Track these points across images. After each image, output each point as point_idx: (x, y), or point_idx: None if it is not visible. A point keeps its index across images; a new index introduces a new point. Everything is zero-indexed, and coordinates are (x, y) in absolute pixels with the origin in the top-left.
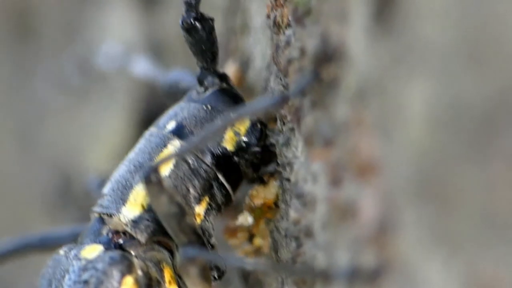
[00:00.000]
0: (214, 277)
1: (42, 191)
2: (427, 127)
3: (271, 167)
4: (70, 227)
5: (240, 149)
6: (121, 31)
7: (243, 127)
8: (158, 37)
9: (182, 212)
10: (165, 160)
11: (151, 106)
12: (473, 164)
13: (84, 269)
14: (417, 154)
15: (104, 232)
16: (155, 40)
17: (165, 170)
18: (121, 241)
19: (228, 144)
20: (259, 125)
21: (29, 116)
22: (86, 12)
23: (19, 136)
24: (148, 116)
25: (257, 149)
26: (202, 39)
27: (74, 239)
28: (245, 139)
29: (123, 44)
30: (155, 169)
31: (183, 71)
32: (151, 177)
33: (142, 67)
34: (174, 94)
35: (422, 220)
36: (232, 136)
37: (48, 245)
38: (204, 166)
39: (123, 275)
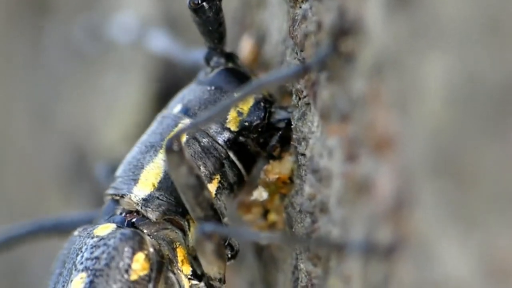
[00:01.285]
0: (228, 257)
1: (57, 167)
2: (445, 102)
3: (274, 140)
4: (84, 212)
5: (244, 128)
6: (137, 4)
7: (246, 106)
8: (173, 11)
9: (201, 185)
10: (183, 130)
11: (167, 82)
12: (490, 139)
13: (96, 245)
14: (434, 129)
15: (118, 212)
16: (171, 14)
17: None
18: (134, 220)
19: (232, 124)
20: (262, 104)
21: (44, 93)
22: None
23: (34, 113)
24: (164, 92)
25: (258, 122)
26: (209, 19)
27: (88, 222)
28: (247, 118)
29: (139, 17)
30: (178, 138)
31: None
32: (173, 146)
33: (159, 41)
34: (195, 73)
35: (438, 196)
36: (235, 116)
37: (61, 229)
38: (215, 145)
39: (134, 251)
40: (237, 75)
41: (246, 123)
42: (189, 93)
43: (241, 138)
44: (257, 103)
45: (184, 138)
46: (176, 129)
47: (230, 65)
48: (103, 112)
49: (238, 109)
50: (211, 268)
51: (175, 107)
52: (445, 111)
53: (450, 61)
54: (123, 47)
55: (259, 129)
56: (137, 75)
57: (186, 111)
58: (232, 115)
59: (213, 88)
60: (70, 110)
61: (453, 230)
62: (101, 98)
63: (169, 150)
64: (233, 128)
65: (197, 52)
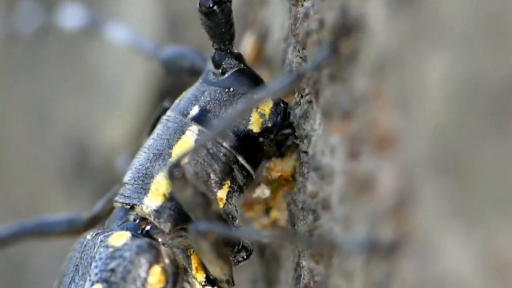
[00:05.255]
0: (243, 258)
1: (59, 165)
2: (446, 101)
3: (290, 141)
4: (66, 214)
5: (266, 130)
6: (137, 3)
7: (267, 107)
8: (173, 10)
9: (208, 202)
10: (186, 154)
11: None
12: (491, 138)
13: (111, 257)
14: (435, 127)
15: (131, 218)
16: (171, 13)
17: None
18: (147, 228)
19: (254, 126)
20: (282, 105)
21: (44, 90)
22: None
23: (34, 111)
24: (168, 86)
25: (288, 130)
26: (221, 22)
27: (71, 226)
28: (271, 119)
29: (138, 17)
30: (177, 165)
31: (180, 47)
32: (174, 173)
33: (119, 32)
34: (175, 70)
35: (440, 194)
36: (258, 117)
37: (45, 231)
38: (223, 150)
39: (150, 264)
40: (251, 76)
41: (269, 125)
42: (203, 94)
43: (260, 139)
44: (276, 104)
45: (185, 160)
46: (177, 145)
47: (242, 66)
48: (104, 108)
49: (259, 110)
50: (213, 269)
51: (190, 109)
52: (446, 109)
53: (451, 60)
54: (123, 44)
55: (287, 132)
56: (139, 69)
57: (204, 113)
58: (254, 117)
59: (231, 89)
60: (70, 107)
61: (454, 227)
62: (102, 94)
63: (171, 177)
64: (256, 129)
65: (172, 49)
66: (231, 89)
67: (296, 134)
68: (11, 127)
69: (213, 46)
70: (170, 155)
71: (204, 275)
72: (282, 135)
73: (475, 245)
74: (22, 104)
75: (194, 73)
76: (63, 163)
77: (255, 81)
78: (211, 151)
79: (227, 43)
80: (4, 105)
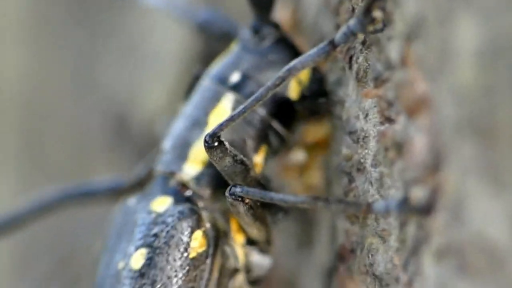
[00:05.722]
0: (279, 219)
1: (100, 131)
2: (475, 64)
3: (324, 107)
4: (108, 179)
5: (303, 97)
6: None
7: (304, 76)
8: None
9: (246, 169)
10: (223, 124)
11: (204, 42)
12: None
13: (154, 223)
14: (466, 90)
15: (171, 184)
16: None
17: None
18: (188, 193)
19: (292, 93)
20: (318, 73)
21: (87, 58)
22: None
23: (77, 78)
24: (203, 52)
25: (323, 97)
26: None
27: (113, 192)
28: (308, 87)
29: None
30: (214, 135)
31: (215, 12)
32: (212, 143)
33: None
34: (209, 35)
35: (470, 155)
36: (296, 85)
37: (87, 197)
38: (257, 116)
39: (192, 229)
40: (289, 45)
41: (306, 92)
42: (243, 61)
43: (298, 106)
44: (313, 72)
45: (224, 131)
46: (213, 112)
47: (281, 34)
48: (145, 74)
49: (297, 78)
50: (251, 231)
51: (230, 75)
52: (476, 73)
53: (480, 26)
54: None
55: (316, 97)
56: (178, 36)
57: (245, 80)
58: (292, 84)
59: (270, 57)
60: (113, 73)
61: (483, 188)
62: (143, 60)
63: (209, 148)
64: (294, 97)
65: (206, 13)
66: (270, 57)
67: (330, 100)
68: (57, 94)
69: (252, 14)
70: (206, 123)
71: (244, 237)
72: (317, 101)
73: (503, 204)
74: (67, 72)
75: (227, 38)
76: (105, 128)
77: (293, 50)
78: (247, 118)
79: (266, 12)
80: (50, 74)
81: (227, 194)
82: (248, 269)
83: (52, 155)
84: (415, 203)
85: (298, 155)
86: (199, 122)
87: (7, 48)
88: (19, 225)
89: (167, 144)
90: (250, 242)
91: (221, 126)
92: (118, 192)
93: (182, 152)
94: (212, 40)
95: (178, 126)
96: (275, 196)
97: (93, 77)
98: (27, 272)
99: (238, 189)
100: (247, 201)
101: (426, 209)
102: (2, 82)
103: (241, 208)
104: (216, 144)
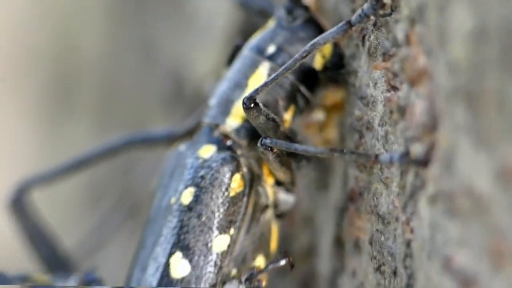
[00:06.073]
0: (303, 165)
1: (160, 93)
2: (467, 43)
3: (341, 76)
4: (167, 128)
5: (325, 68)
6: None
7: (327, 50)
8: None
9: (277, 125)
10: (259, 88)
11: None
12: (501, 72)
13: (201, 166)
14: (459, 64)
15: (215, 135)
16: None
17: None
18: (229, 143)
19: (317, 64)
20: (338, 49)
21: (150, 29)
22: None
23: (142, 48)
24: (246, 27)
25: (343, 70)
26: None
27: (169, 139)
28: (330, 60)
29: None
30: (251, 97)
31: None
32: (249, 105)
33: None
34: (249, 10)
35: (461, 118)
36: (320, 58)
37: (148, 141)
38: (288, 81)
39: (232, 173)
40: (316, 25)
41: (328, 64)
42: (278, 36)
43: (320, 75)
44: (334, 48)
45: (259, 94)
46: (252, 77)
47: (310, 15)
48: (198, 44)
49: (321, 53)
50: (279, 174)
51: (267, 47)
52: (467, 50)
53: (471, 12)
54: None
55: (335, 68)
56: (226, 9)
57: (279, 52)
58: (317, 57)
59: (300, 34)
60: (171, 43)
61: (471, 146)
62: (196, 31)
63: (246, 108)
64: (318, 67)
65: None
66: (300, 34)
67: (346, 70)
68: (123, 62)
69: None
70: (246, 85)
71: (273, 179)
72: (336, 72)
73: (488, 160)
74: (132, 43)
75: (265, 16)
76: (164, 92)
77: (319, 29)
78: (280, 82)
79: None
80: (118, 45)
81: (259, 144)
82: (275, 205)
83: (121, 111)
84: (414, 156)
85: (318, 115)
86: (240, 85)
87: (89, 24)
88: (92, 163)
89: (213, 101)
90: (278, 183)
91: (257, 91)
92: (172, 140)
93: (225, 108)
94: (252, 16)
95: (223, 87)
96: (298, 147)
97: (155, 47)
98: (98, 203)
99: (267, 141)
100: (275, 150)
101: (423, 162)
102: (85, 52)
103: (270, 156)
104: (252, 105)
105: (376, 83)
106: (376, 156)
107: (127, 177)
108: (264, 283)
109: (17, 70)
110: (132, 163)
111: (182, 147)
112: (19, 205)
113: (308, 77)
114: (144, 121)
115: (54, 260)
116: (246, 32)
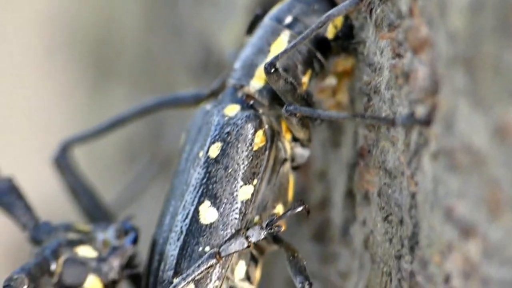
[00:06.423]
0: (318, 124)
1: (189, 62)
2: (465, 14)
3: (351, 45)
4: (194, 90)
5: (337, 37)
6: None
7: (338, 21)
8: None
9: (294, 88)
10: (279, 55)
11: None
12: (498, 42)
13: (227, 124)
14: (457, 33)
15: (239, 95)
16: None
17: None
18: (252, 102)
19: (329, 34)
20: (348, 20)
21: (181, 6)
22: None
23: (172, 22)
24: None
25: (353, 40)
26: None
27: (196, 99)
28: (341, 30)
29: None
30: (272, 63)
31: None
32: (270, 69)
33: None
34: None
35: (460, 81)
36: (332, 28)
37: (176, 102)
38: (306, 48)
39: (255, 129)
40: None
41: (339, 34)
42: (295, 8)
43: (332, 43)
44: (345, 19)
45: (282, 49)
46: (274, 44)
47: None
48: (224, 17)
49: (333, 23)
50: (299, 133)
51: (285, 18)
52: (465, 20)
53: None
54: None
55: (346, 38)
56: None
57: (295, 22)
58: (330, 27)
59: (315, 7)
60: (199, 17)
61: (470, 107)
62: (222, 5)
63: (267, 73)
64: (330, 36)
65: None
66: (315, 7)
67: (356, 40)
68: (157, 36)
69: None
70: (268, 51)
71: (291, 135)
72: (347, 41)
73: (485, 120)
74: (164, 19)
75: None
76: (193, 61)
77: (331, 2)
78: (298, 49)
79: None
80: (152, 21)
81: (283, 111)
82: (292, 158)
83: (154, 79)
84: (417, 117)
85: (331, 80)
86: (263, 50)
87: (127, 2)
88: (128, 122)
89: (238, 64)
90: (295, 139)
91: (277, 57)
92: (198, 100)
93: (249, 71)
94: None
95: (247, 52)
96: (322, 113)
97: (185, 22)
98: (133, 161)
99: (292, 108)
100: (298, 115)
101: (426, 122)
102: (124, 27)
103: (294, 120)
104: (272, 70)
105: (382, 52)
106: (394, 119)
107: (159, 137)
108: (283, 228)
109: (68, 41)
110: (163, 124)
111: (208, 106)
112: (63, 161)
113: (323, 45)
114: (174, 87)
115: (95, 211)
116: (266, 4)
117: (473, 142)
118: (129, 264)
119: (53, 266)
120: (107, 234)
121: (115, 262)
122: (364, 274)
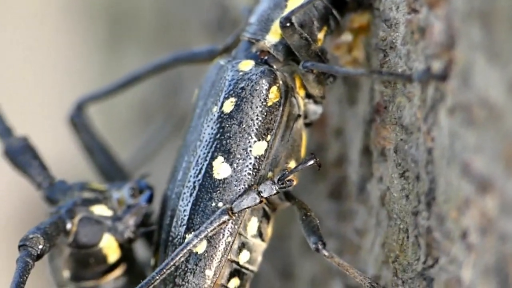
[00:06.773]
0: (331, 81)
1: (204, 20)
2: None
3: (367, 1)
4: (207, 46)
5: None
6: None
7: None
8: None
9: (309, 44)
10: (295, 10)
11: None
12: None
13: (241, 79)
14: None
15: (254, 50)
16: None
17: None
18: (266, 58)
19: None
20: None
21: None
22: None
23: None
24: None
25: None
26: None
27: (211, 55)
28: None
29: None
30: (288, 18)
31: None
32: (285, 24)
33: None
34: None
35: (476, 36)
36: None
37: (192, 58)
38: (322, 4)
39: (270, 85)
40: None
41: None
42: None
43: (348, 0)
44: None
45: (295, 15)
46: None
47: None
48: None
49: None
50: (314, 90)
51: None
52: None
53: None
54: None
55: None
56: None
57: None
58: None
59: None
60: None
61: (485, 61)
62: None
63: (282, 26)
64: None
65: None
66: None
67: None
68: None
69: None
70: (286, 6)
71: (305, 91)
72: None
73: (501, 75)
74: None
75: None
76: (208, 19)
77: None
78: (315, 5)
79: None
80: None
81: (300, 66)
82: (305, 115)
83: (171, 37)
84: (434, 72)
85: (347, 36)
86: (280, 5)
87: None
88: (143, 79)
89: (254, 18)
90: (308, 96)
91: (293, 12)
92: (213, 56)
93: (266, 25)
94: None
95: (263, 6)
96: (338, 69)
97: None
98: (148, 119)
99: (309, 64)
100: (315, 71)
101: (442, 77)
102: None
103: (310, 77)
104: (288, 25)
105: (398, 7)
106: (411, 75)
107: (174, 96)
108: (294, 182)
109: (87, 3)
110: (178, 84)
111: (222, 61)
112: (78, 120)
113: (339, 2)
114: (189, 45)
115: (110, 170)
116: None
117: (489, 97)
118: (144, 222)
119: (68, 225)
120: (122, 193)
121: (130, 221)
122: (381, 231)
